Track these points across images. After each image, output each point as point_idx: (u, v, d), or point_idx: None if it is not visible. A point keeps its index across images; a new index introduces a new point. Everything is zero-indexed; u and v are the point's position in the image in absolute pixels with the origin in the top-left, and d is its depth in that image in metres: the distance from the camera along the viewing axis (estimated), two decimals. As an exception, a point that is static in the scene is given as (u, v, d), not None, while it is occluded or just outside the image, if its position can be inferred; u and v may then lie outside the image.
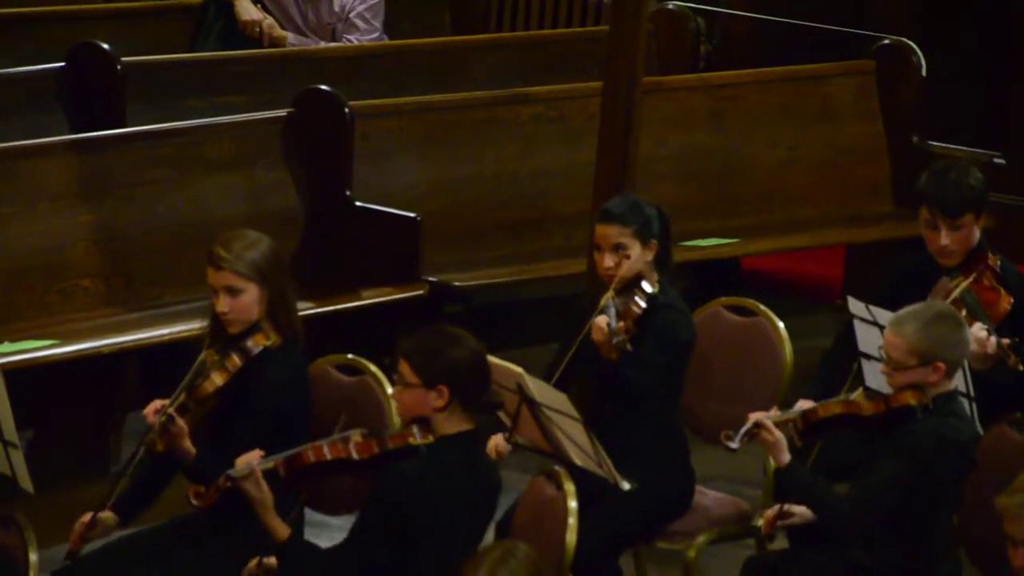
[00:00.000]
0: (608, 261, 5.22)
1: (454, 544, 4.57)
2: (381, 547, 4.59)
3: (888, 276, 5.81)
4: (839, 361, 5.57)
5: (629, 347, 5.02)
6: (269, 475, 4.68)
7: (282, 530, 4.67)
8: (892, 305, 5.16)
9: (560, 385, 5.12)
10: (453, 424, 4.67)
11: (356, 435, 4.69)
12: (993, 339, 5.33)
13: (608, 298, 5.13)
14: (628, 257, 5.21)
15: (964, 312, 5.39)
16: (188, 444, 4.84)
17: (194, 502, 4.75)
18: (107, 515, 4.95)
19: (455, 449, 4.66)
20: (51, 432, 6.10)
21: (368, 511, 4.68)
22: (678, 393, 5.31)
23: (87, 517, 4.92)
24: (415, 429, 4.66)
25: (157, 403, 4.88)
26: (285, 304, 5.03)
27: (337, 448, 4.66)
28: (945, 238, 5.56)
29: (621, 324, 5.04)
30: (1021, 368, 5.29)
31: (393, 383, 4.82)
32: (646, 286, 5.19)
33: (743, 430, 4.90)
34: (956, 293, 5.46)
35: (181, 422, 4.81)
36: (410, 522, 4.58)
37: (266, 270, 4.97)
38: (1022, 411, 5.11)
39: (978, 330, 5.34)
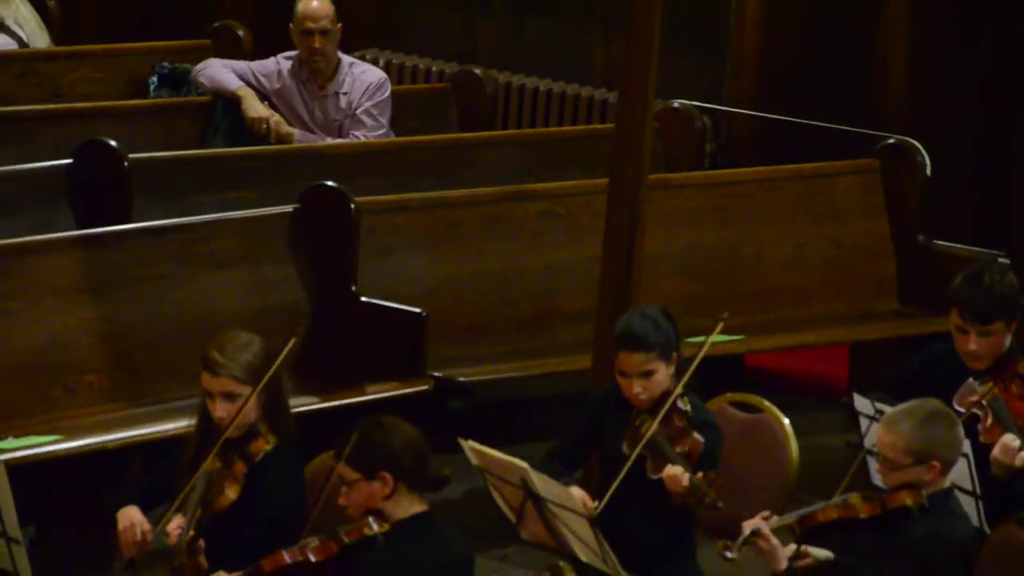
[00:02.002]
0: (636, 387, 5.18)
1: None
2: None
3: (910, 362, 5.75)
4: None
5: (720, 503, 4.95)
6: None
7: None
8: (909, 390, 5.13)
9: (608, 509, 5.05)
10: (404, 508, 4.71)
11: (314, 540, 4.70)
12: (1022, 457, 5.28)
13: (653, 429, 5.07)
14: (655, 380, 5.19)
15: (991, 420, 5.35)
16: (204, 560, 4.82)
17: None
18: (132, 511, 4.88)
19: (413, 531, 4.69)
20: (54, 528, 6.07)
21: None
22: None
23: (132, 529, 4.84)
24: (370, 519, 4.68)
25: (176, 520, 4.83)
26: (280, 404, 5.02)
27: (295, 553, 4.66)
28: (974, 343, 5.50)
29: (700, 476, 4.95)
30: None
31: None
32: (682, 406, 5.14)
33: (739, 540, 4.88)
34: (985, 400, 5.41)
35: (202, 542, 4.79)
36: None
37: (261, 372, 4.96)
38: (1030, 509, 5.08)
39: (1010, 440, 5.30)
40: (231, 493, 4.87)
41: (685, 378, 5.19)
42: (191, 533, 4.77)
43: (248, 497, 4.91)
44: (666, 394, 5.17)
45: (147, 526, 4.88)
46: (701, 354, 5.25)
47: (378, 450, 4.70)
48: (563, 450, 5.38)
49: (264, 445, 4.94)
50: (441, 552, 4.68)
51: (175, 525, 4.83)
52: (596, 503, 5.08)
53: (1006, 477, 5.26)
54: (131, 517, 4.91)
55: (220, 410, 4.93)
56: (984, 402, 5.40)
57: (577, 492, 5.14)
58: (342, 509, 4.80)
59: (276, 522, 4.89)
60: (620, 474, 5.03)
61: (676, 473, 4.97)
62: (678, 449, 5.05)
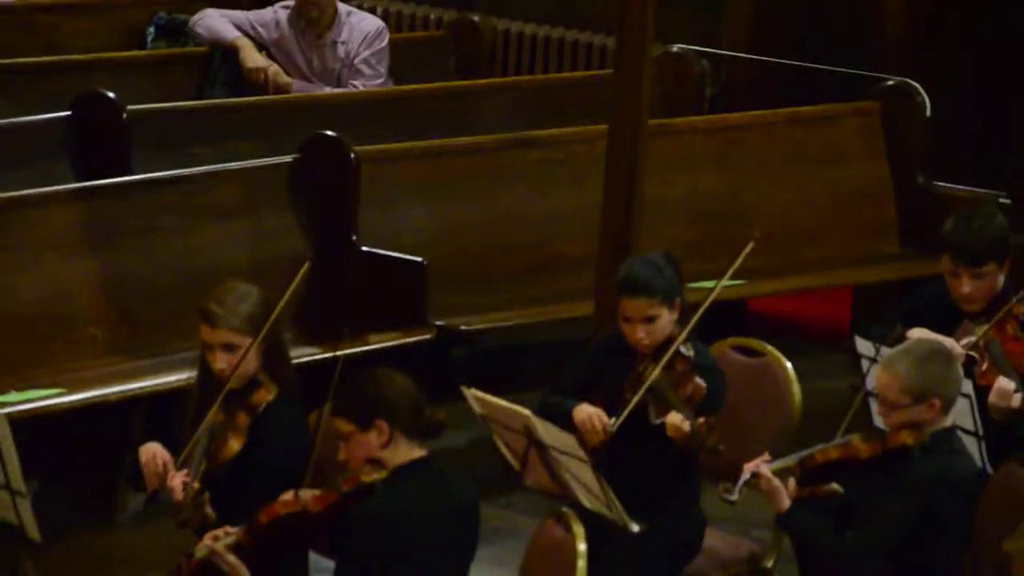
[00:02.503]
0: (639, 333, 5.16)
1: (434, 569, 4.58)
2: None
3: (904, 309, 5.76)
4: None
5: (721, 446, 4.95)
6: (239, 545, 4.67)
7: None
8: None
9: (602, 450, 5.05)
10: (402, 455, 4.70)
11: (311, 491, 4.70)
12: (1019, 395, 5.28)
13: (656, 375, 5.08)
14: (659, 326, 5.18)
15: (987, 363, 5.35)
16: (211, 511, 4.83)
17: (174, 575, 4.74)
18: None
19: (411, 477, 4.68)
20: (58, 481, 6.09)
21: (344, 560, 4.68)
22: None
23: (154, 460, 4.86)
24: (366, 467, 4.67)
25: (179, 476, 4.84)
26: (281, 353, 5.02)
27: (291, 504, 4.66)
28: (967, 286, 5.51)
29: (701, 421, 4.96)
30: None
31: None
32: (685, 351, 5.13)
33: (740, 482, 4.90)
34: (981, 343, 5.42)
35: (207, 495, 4.80)
36: (386, 556, 4.57)
37: (259, 320, 4.95)
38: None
39: (1004, 383, 5.30)
40: (235, 444, 4.87)
41: (691, 324, 5.18)
42: (196, 486, 4.77)
43: (252, 448, 4.91)
44: (670, 339, 5.16)
45: (168, 457, 4.88)
46: (709, 300, 5.24)
47: (370, 399, 4.69)
48: (562, 389, 5.37)
49: (266, 395, 4.94)
50: (442, 497, 4.68)
51: (180, 479, 4.83)
52: (612, 420, 5.06)
53: (1005, 420, 5.27)
54: (152, 450, 4.92)
55: (220, 361, 4.92)
56: (980, 344, 5.40)
57: (588, 408, 5.11)
58: (339, 463, 4.79)
59: (281, 472, 4.88)
60: (622, 415, 5.03)
61: (677, 419, 4.98)
62: (680, 394, 5.05)
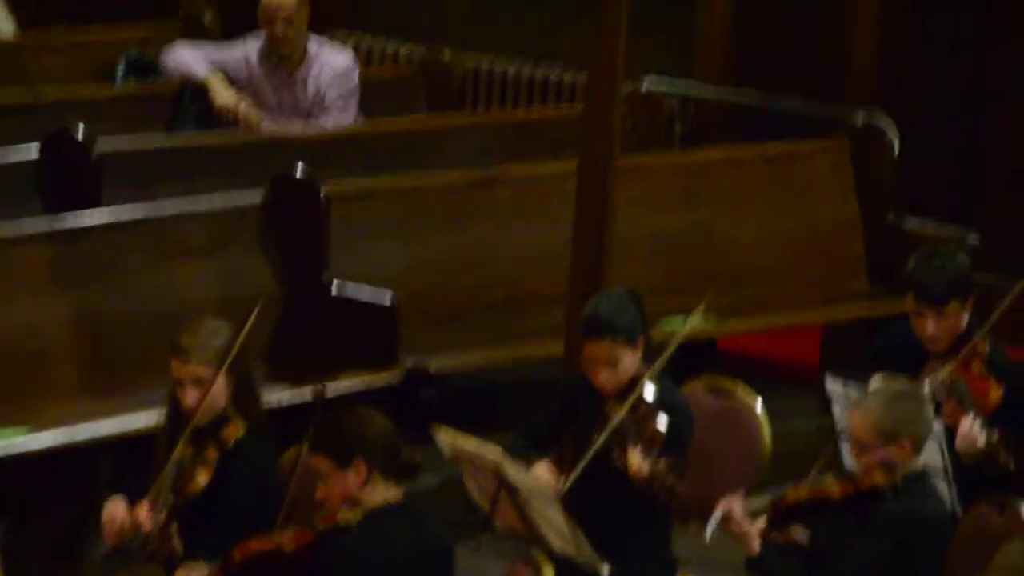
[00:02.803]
0: (603, 376, 5.17)
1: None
2: None
3: (873, 349, 5.77)
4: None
5: (679, 488, 4.94)
6: None
7: None
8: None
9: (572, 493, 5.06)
10: (378, 495, 4.72)
11: (289, 529, 4.70)
12: (983, 436, 5.28)
13: (620, 418, 5.07)
14: (621, 368, 5.17)
15: (954, 402, 5.36)
16: (179, 544, 4.82)
17: None
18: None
19: (387, 517, 4.70)
20: (26, 523, 6.06)
21: None
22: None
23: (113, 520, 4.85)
24: (343, 508, 4.66)
25: (144, 507, 4.83)
26: (250, 390, 5.02)
27: (266, 542, 4.66)
28: (931, 326, 5.51)
29: (662, 463, 4.94)
30: (1012, 467, 5.24)
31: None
32: (649, 394, 5.13)
33: (712, 522, 4.89)
34: (946, 383, 5.42)
35: (175, 527, 4.79)
36: None
37: (232, 356, 4.96)
38: (1003, 492, 5.09)
39: (966, 427, 5.31)
40: (202, 479, 4.87)
41: (657, 365, 5.18)
42: (162, 518, 4.76)
43: (220, 483, 4.91)
44: (635, 380, 5.16)
45: (128, 517, 4.86)
46: (676, 341, 5.25)
47: (349, 438, 4.71)
48: (535, 432, 5.38)
49: (236, 431, 4.94)
50: (416, 539, 4.69)
51: (146, 512, 4.82)
52: (562, 479, 5.07)
53: (973, 462, 5.28)
54: (114, 508, 4.90)
55: (190, 397, 4.92)
56: (946, 384, 5.42)
57: (545, 474, 5.12)
58: (316, 502, 4.79)
59: (250, 508, 4.89)
60: (584, 460, 5.03)
61: (636, 461, 4.97)
62: (643, 436, 5.05)
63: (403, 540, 4.65)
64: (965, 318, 5.56)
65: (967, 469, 5.24)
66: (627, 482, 5.02)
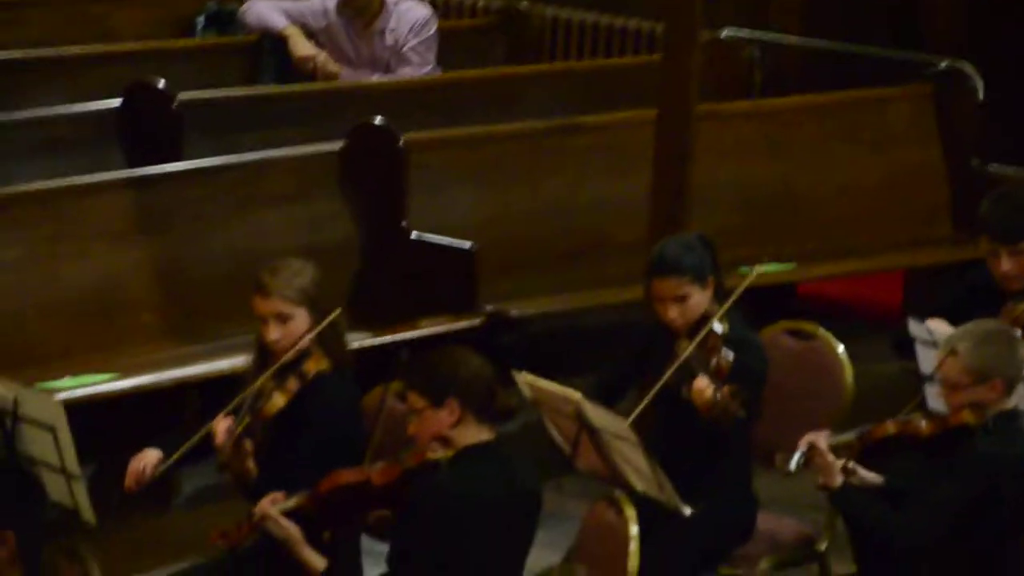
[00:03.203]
0: (672, 312, 5.20)
1: (494, 551, 4.58)
2: (424, 565, 4.58)
3: (948, 294, 5.77)
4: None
5: (742, 413, 4.96)
6: (298, 511, 4.69)
7: (317, 562, 4.70)
8: (956, 322, 5.13)
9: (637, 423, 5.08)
10: (470, 435, 4.72)
11: (378, 463, 4.72)
12: None
13: (688, 352, 5.09)
14: (690, 304, 5.19)
15: None
16: (252, 465, 4.87)
17: (219, 542, 4.77)
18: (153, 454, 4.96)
19: (476, 458, 4.70)
20: (114, 465, 6.12)
21: (403, 531, 4.70)
22: (754, 422, 5.27)
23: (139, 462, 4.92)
24: (433, 444, 4.69)
25: (224, 423, 4.90)
26: (334, 329, 5.05)
27: (354, 475, 4.68)
28: (1006, 264, 5.55)
29: (725, 389, 4.96)
30: None
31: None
32: (718, 327, 5.14)
33: (797, 454, 4.88)
34: (1020, 316, 5.42)
35: (248, 444, 4.84)
36: (447, 534, 4.59)
37: (314, 296, 5.00)
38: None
39: None
40: (280, 400, 4.90)
41: (728, 304, 5.18)
42: (238, 431, 4.80)
43: (301, 413, 4.93)
44: (705, 317, 5.17)
45: (155, 462, 4.91)
46: (747, 282, 5.24)
47: (446, 378, 4.71)
48: (608, 379, 5.39)
49: (317, 365, 4.97)
50: (507, 481, 4.68)
51: (224, 423, 4.87)
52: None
53: None
54: (145, 454, 4.97)
55: (273, 332, 4.96)
56: (1022, 321, 5.41)
57: None
58: (407, 437, 4.81)
59: (329, 441, 4.91)
60: (651, 393, 5.04)
61: (701, 386, 4.98)
62: (708, 366, 5.06)
63: (492, 482, 4.65)
64: None
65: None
66: (697, 416, 5.02)
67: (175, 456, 4.93)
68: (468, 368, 4.73)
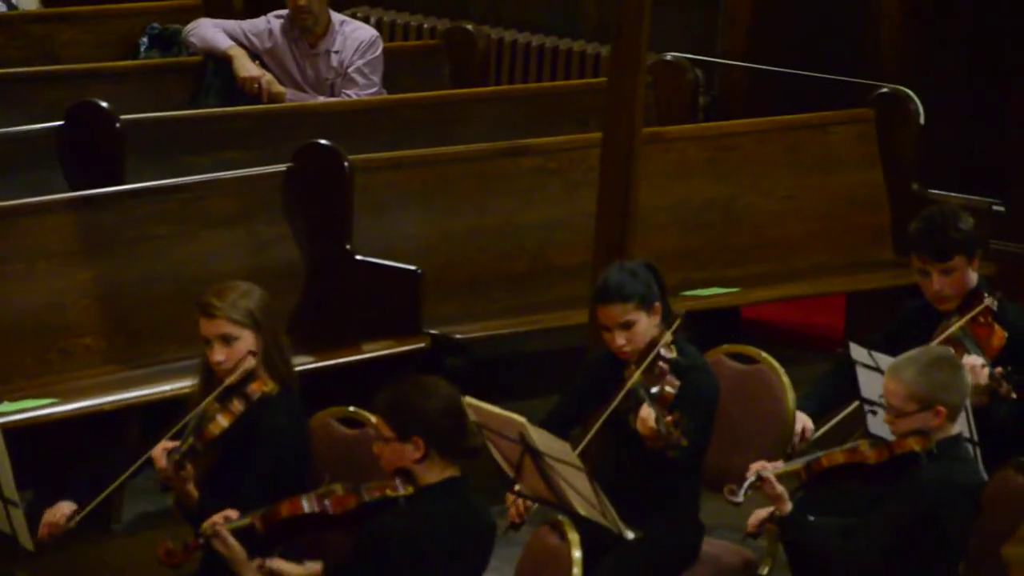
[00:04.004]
0: (619, 340, 5.19)
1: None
2: None
3: (889, 323, 5.79)
4: (836, 383, 5.56)
5: (685, 443, 4.96)
6: (249, 530, 4.67)
7: None
8: (894, 350, 5.16)
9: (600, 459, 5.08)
10: (434, 473, 4.68)
11: (337, 489, 4.70)
12: (987, 370, 5.32)
13: (635, 379, 5.10)
14: (637, 331, 5.19)
15: (962, 351, 5.38)
16: (193, 489, 4.84)
17: (164, 561, 4.74)
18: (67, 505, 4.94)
19: (437, 498, 4.66)
20: (52, 490, 6.07)
21: (351, 566, 4.67)
22: (704, 451, 5.26)
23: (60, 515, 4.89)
24: (396, 481, 4.67)
25: (166, 444, 4.88)
26: (279, 351, 5.03)
27: (313, 502, 4.66)
28: (937, 283, 5.54)
29: (669, 419, 4.96)
30: (1014, 396, 5.27)
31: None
32: (666, 353, 5.15)
33: (746, 484, 4.89)
34: (950, 332, 5.45)
35: (190, 467, 4.82)
36: (396, 573, 4.56)
37: (260, 317, 4.98)
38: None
39: (973, 359, 5.34)
40: (223, 422, 4.88)
41: (672, 329, 5.19)
42: (182, 450, 4.79)
43: (245, 437, 4.92)
44: (653, 343, 5.17)
45: (68, 514, 4.89)
46: (689, 305, 5.25)
47: (413, 413, 4.65)
48: (560, 409, 5.39)
49: (262, 386, 4.96)
50: (461, 525, 4.66)
51: (163, 447, 4.85)
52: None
53: (980, 400, 5.29)
54: (60, 506, 4.94)
55: (218, 353, 4.94)
56: (953, 337, 5.43)
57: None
58: (359, 464, 4.79)
59: (274, 461, 4.90)
60: (599, 422, 5.04)
61: (645, 415, 4.99)
62: (656, 395, 5.06)
63: (447, 523, 4.62)
64: (973, 276, 5.57)
65: (982, 423, 5.23)
66: (645, 444, 5.02)
67: (100, 497, 4.88)
68: (437, 406, 4.67)
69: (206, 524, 4.71)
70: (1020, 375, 5.30)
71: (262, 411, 4.95)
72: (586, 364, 5.44)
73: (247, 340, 4.96)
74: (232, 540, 4.68)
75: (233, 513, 4.74)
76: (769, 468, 4.94)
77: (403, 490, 4.64)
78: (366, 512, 4.65)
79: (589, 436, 5.07)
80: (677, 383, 5.10)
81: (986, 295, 5.54)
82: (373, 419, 5.15)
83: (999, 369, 5.32)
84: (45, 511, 4.94)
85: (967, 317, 5.48)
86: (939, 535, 4.83)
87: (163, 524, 4.90)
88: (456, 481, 4.71)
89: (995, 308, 5.52)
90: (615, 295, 5.19)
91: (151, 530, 5.76)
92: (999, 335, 5.45)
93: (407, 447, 4.66)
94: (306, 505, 4.66)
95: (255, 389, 4.95)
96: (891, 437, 4.97)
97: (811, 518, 4.97)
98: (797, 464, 4.98)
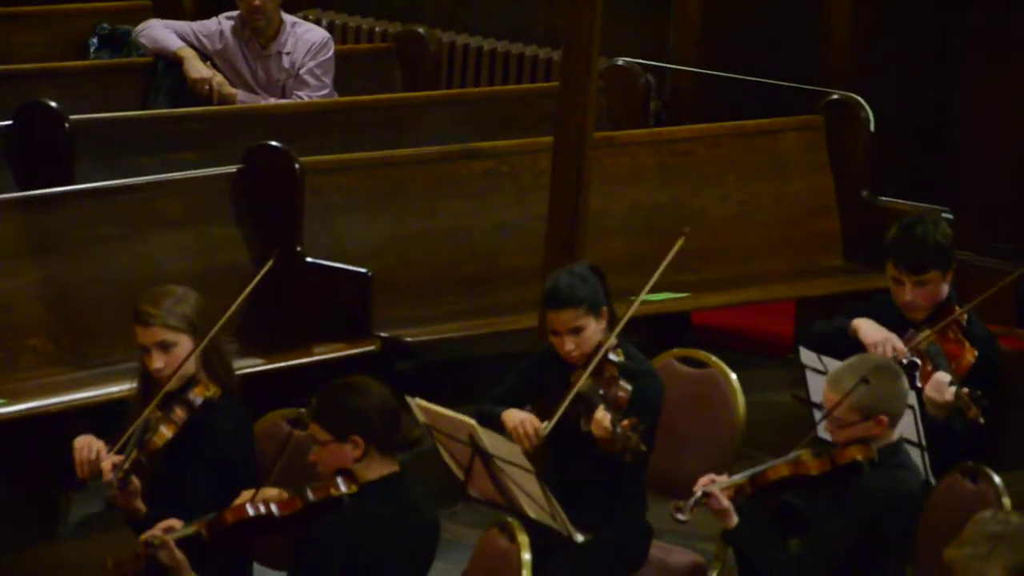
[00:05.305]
0: (568, 345, 5.21)
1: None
2: None
3: (853, 311, 5.77)
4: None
5: (643, 447, 4.98)
6: (195, 539, 4.66)
7: None
8: (848, 344, 5.16)
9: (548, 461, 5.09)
10: (375, 470, 4.71)
11: (281, 493, 4.70)
12: (953, 388, 5.33)
13: (583, 382, 5.10)
14: (586, 335, 5.20)
15: (929, 364, 5.38)
16: (140, 504, 4.81)
17: (113, 573, 4.71)
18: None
19: (380, 494, 4.69)
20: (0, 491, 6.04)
21: (303, 566, 4.67)
22: (650, 454, 5.28)
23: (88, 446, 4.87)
24: (338, 480, 4.68)
25: (113, 459, 4.84)
26: (219, 355, 5.01)
27: (258, 506, 4.65)
28: (910, 293, 5.53)
29: (625, 422, 4.99)
30: (982, 421, 5.27)
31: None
32: (614, 357, 5.17)
33: (692, 500, 4.91)
34: (917, 343, 5.46)
35: (136, 482, 4.79)
36: (344, 571, 4.56)
37: (197, 322, 4.97)
38: (974, 460, 5.11)
39: (940, 375, 5.34)
40: (167, 432, 4.87)
41: (617, 330, 5.21)
42: (125, 467, 4.75)
43: (190, 443, 4.90)
44: (599, 347, 5.19)
45: (101, 445, 4.87)
46: (634, 307, 5.26)
47: (350, 413, 4.69)
48: (498, 400, 5.38)
49: (204, 391, 4.94)
50: (406, 516, 4.68)
51: (110, 460, 4.83)
52: (545, 423, 5.09)
53: (941, 415, 5.30)
54: (87, 439, 4.92)
55: (157, 360, 4.92)
56: (921, 348, 5.44)
57: (519, 414, 5.13)
58: (307, 468, 4.79)
59: (221, 465, 4.88)
60: (554, 419, 5.05)
61: (599, 418, 4.99)
62: (607, 398, 5.08)
63: (392, 518, 4.65)
64: (945, 289, 5.57)
65: (939, 436, 5.24)
66: (595, 447, 5.03)
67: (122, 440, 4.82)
68: (373, 402, 4.71)
69: (148, 534, 4.69)
70: (988, 398, 5.29)
71: (206, 416, 4.92)
72: (526, 365, 5.44)
73: (185, 345, 4.94)
74: (178, 551, 4.67)
75: (176, 523, 4.72)
76: (715, 483, 4.94)
77: (347, 489, 4.66)
78: (312, 513, 4.66)
79: (555, 419, 5.07)
80: (629, 388, 5.11)
81: (957, 308, 5.54)
82: None
83: (966, 390, 5.31)
84: (76, 447, 4.87)
85: (938, 327, 5.46)
86: (883, 543, 4.84)
87: (109, 527, 4.86)
88: (397, 476, 4.74)
89: (964, 323, 5.52)
90: (566, 300, 5.20)
91: (98, 533, 5.73)
92: (970, 353, 5.44)
93: (346, 447, 4.68)
94: (251, 510, 4.65)
95: (197, 394, 4.93)
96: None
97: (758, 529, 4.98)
98: (742, 478, 5.00)
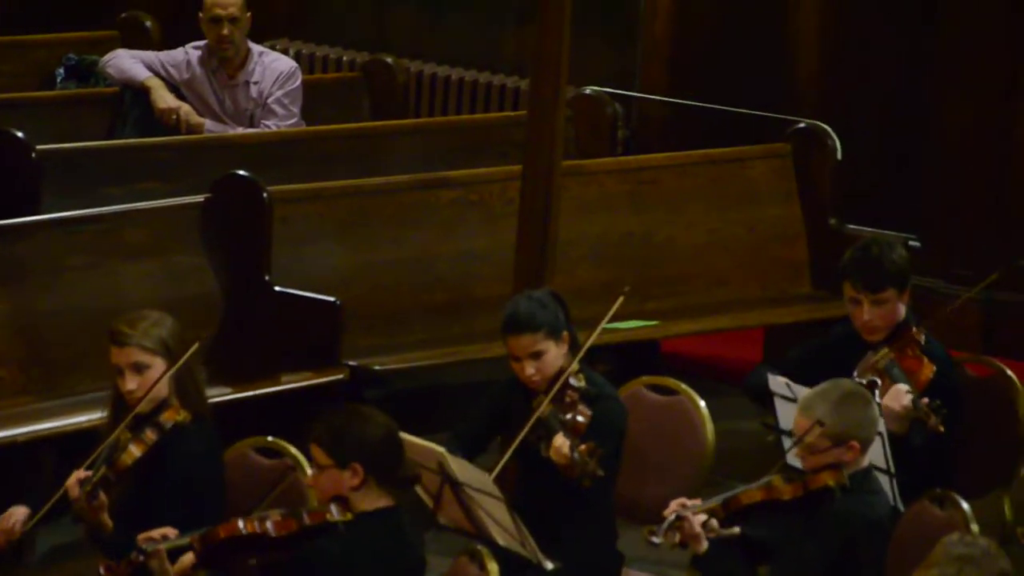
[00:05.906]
0: (529, 370, 5.23)
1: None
2: None
3: (809, 345, 5.81)
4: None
5: (600, 472, 5.00)
6: (184, 552, 4.65)
7: None
8: (810, 372, 5.18)
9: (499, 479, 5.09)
10: (371, 501, 4.70)
11: (275, 513, 4.69)
12: (910, 397, 5.36)
13: (544, 407, 5.10)
14: (547, 360, 5.21)
15: (888, 381, 5.42)
16: (107, 518, 4.80)
17: None
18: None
19: (374, 526, 4.68)
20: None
21: None
22: (615, 478, 5.28)
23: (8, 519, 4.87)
24: (333, 507, 4.67)
25: (79, 473, 4.84)
26: (192, 380, 5.01)
27: (253, 524, 4.65)
28: (867, 313, 5.58)
29: (583, 448, 5.00)
30: (941, 429, 5.30)
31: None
32: (575, 382, 5.18)
33: (665, 524, 4.91)
34: (880, 364, 5.49)
35: (103, 496, 4.78)
36: None
37: (172, 345, 4.97)
38: (942, 486, 5.12)
39: (899, 387, 5.38)
40: (135, 451, 4.88)
41: (580, 353, 5.22)
42: (94, 481, 4.75)
43: (159, 465, 4.89)
44: (561, 372, 5.19)
45: (23, 518, 4.84)
46: (597, 331, 5.28)
47: (354, 441, 4.68)
48: (466, 432, 5.39)
49: (175, 415, 4.94)
50: (395, 553, 4.68)
51: (76, 476, 4.82)
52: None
53: (901, 429, 5.33)
54: (12, 512, 4.92)
55: (129, 382, 4.92)
56: (880, 367, 5.47)
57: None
58: (264, 493, 4.78)
59: (189, 487, 4.88)
60: (509, 452, 5.05)
61: (558, 444, 4.99)
62: (566, 423, 5.08)
63: (383, 551, 4.64)
64: (902, 309, 5.61)
65: (907, 463, 5.26)
66: (558, 473, 5.03)
67: (43, 510, 4.84)
68: (377, 433, 4.69)
69: (143, 537, 4.67)
70: (948, 409, 5.32)
71: (176, 438, 4.92)
72: (490, 392, 5.45)
73: (159, 368, 4.93)
74: (167, 563, 4.67)
75: (171, 531, 4.71)
76: (688, 506, 4.95)
77: (340, 516, 4.65)
78: (305, 536, 4.65)
79: (502, 463, 5.10)
80: (589, 413, 5.13)
81: (914, 328, 5.58)
82: (292, 449, 5.14)
83: (925, 400, 5.35)
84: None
85: (895, 344, 5.51)
86: (855, 568, 4.85)
87: (77, 557, 4.85)
88: (393, 511, 4.74)
89: (922, 342, 5.56)
90: (525, 325, 5.22)
91: (65, 562, 5.69)
92: (928, 368, 5.49)
93: (345, 474, 4.67)
94: (244, 528, 4.64)
95: (167, 418, 4.94)
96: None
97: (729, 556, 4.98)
98: (714, 502, 5.00)
